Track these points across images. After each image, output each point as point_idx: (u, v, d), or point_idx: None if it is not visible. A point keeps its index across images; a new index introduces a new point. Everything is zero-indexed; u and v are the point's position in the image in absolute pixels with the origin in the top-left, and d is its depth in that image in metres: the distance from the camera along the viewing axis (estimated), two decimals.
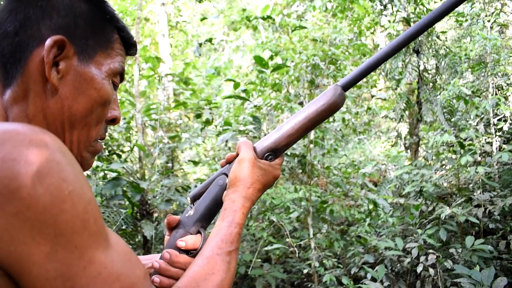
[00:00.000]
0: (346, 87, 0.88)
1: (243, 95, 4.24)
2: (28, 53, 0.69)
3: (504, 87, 6.49)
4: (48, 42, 0.68)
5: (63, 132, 0.72)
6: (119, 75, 0.80)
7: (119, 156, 4.65)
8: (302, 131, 0.89)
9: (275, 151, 0.91)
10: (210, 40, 4.45)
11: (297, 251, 3.47)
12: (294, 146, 4.80)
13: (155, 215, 4.07)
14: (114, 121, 0.82)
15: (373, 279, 3.71)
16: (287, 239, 3.60)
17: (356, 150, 7.05)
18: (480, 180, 5.10)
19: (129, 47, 0.83)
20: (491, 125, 6.20)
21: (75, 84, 0.71)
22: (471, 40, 6.97)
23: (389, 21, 6.40)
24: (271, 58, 4.58)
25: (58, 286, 0.57)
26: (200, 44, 4.34)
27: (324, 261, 3.75)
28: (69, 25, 0.72)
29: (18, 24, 0.70)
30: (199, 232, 0.89)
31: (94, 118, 0.74)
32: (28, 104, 0.70)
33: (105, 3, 0.78)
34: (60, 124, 0.71)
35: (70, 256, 0.57)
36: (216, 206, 0.91)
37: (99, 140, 0.79)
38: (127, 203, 4.23)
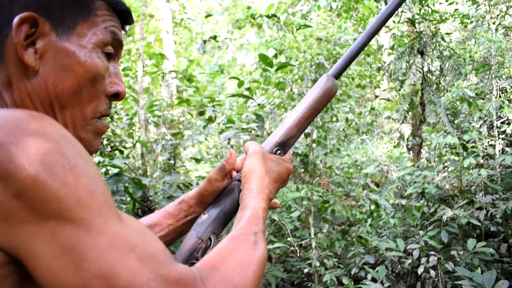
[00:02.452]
0: (337, 75, 0.92)
1: (246, 93, 4.23)
2: (3, 38, 0.66)
3: (508, 90, 6.48)
4: (15, 21, 0.64)
5: (54, 114, 0.68)
6: (112, 43, 0.73)
7: (121, 152, 4.65)
8: (305, 121, 0.91)
9: (283, 145, 0.92)
10: (214, 37, 4.45)
11: (298, 251, 3.46)
12: (297, 145, 4.79)
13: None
14: (117, 96, 0.76)
15: (374, 280, 3.70)
16: (288, 238, 3.59)
17: (359, 151, 7.04)
18: (483, 182, 5.09)
19: (120, 13, 0.76)
20: (495, 128, 6.18)
21: (56, 61, 0.67)
22: (475, 42, 6.96)
23: (394, 22, 6.38)
24: (275, 56, 4.57)
25: (66, 264, 0.53)
26: (205, 42, 4.34)
27: (324, 261, 3.74)
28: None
29: None
30: (209, 238, 0.84)
31: (85, 95, 0.69)
32: (14, 90, 0.67)
33: None
34: (49, 106, 0.67)
35: (78, 229, 0.54)
36: (231, 209, 0.88)
37: (101, 119, 0.75)
38: (128, 199, 4.23)
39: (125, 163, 3.96)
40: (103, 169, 4.61)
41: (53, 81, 0.67)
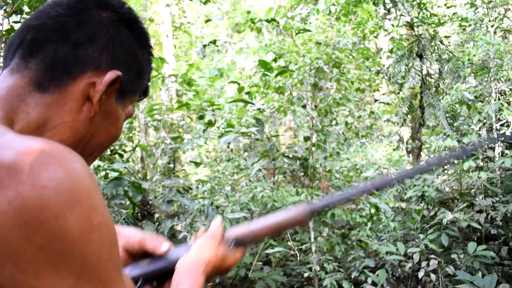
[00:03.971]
0: (316, 211, 0.99)
1: (246, 97, 4.23)
2: (80, 71, 0.70)
3: (507, 93, 6.48)
4: (111, 74, 0.71)
5: (74, 149, 0.68)
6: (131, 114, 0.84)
7: (121, 155, 4.65)
8: (268, 232, 0.99)
9: (239, 242, 0.99)
10: (214, 41, 4.46)
11: (298, 255, 3.45)
12: (296, 149, 4.79)
13: (156, 215, 4.07)
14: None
15: (374, 284, 3.69)
16: (288, 242, 3.59)
17: (358, 154, 7.04)
18: (482, 185, 5.08)
19: (144, 95, 0.87)
20: (494, 130, 6.18)
21: (104, 117, 0.74)
22: (474, 45, 6.97)
23: (393, 25, 6.40)
24: (275, 60, 4.57)
25: None
26: (204, 46, 4.35)
27: (324, 265, 3.73)
28: (126, 64, 0.75)
29: (84, 39, 0.70)
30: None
31: (102, 148, 0.78)
32: (53, 114, 0.69)
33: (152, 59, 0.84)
34: (77, 144, 0.72)
35: None
36: (167, 268, 0.92)
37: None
38: (128, 203, 4.23)
39: (125, 167, 3.96)
40: (103, 173, 4.62)
41: (95, 130, 0.74)
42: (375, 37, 6.70)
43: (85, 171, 0.56)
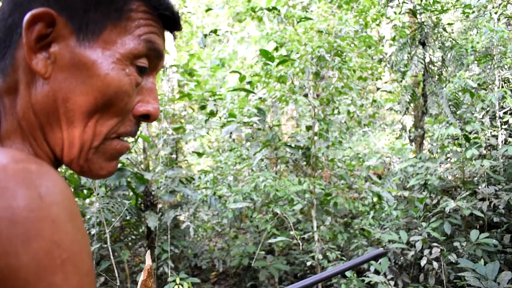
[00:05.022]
0: None
1: (248, 87, 4.22)
2: (16, 36, 0.55)
3: (510, 80, 6.44)
4: (27, 17, 0.52)
5: (60, 131, 0.56)
6: (148, 55, 0.60)
7: None
8: None
9: None
10: (215, 31, 4.42)
11: (300, 244, 3.47)
12: (299, 138, 4.79)
13: (159, 206, 4.09)
14: (147, 117, 0.62)
15: (377, 272, 3.71)
16: (291, 232, 3.60)
17: (361, 143, 7.03)
18: (485, 173, 5.08)
19: (164, 17, 0.61)
20: (497, 118, 6.16)
21: (72, 71, 0.55)
22: (477, 32, 6.90)
23: (395, 13, 6.34)
24: (276, 49, 4.55)
25: None
26: (205, 35, 4.30)
27: (327, 254, 3.75)
28: None
29: (13, 4, 0.56)
30: None
31: (103, 113, 0.57)
32: (17, 98, 0.56)
33: None
34: (56, 121, 0.56)
35: None
36: None
37: (120, 138, 0.61)
38: (131, 193, 4.24)
39: (127, 158, 3.96)
40: None
41: (65, 94, 0.55)
42: (377, 25, 6.64)
43: (55, 195, 0.45)
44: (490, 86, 6.49)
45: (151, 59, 0.61)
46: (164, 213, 3.90)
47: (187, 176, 4.21)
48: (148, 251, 1.10)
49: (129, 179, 3.99)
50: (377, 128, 8.04)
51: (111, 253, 2.70)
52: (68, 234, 0.44)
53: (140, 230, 4.56)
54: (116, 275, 2.82)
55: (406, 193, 5.05)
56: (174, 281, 2.86)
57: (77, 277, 0.44)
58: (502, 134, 6.15)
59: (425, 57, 5.96)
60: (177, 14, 0.63)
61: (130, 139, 4.92)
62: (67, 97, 0.55)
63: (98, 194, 3.38)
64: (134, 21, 0.58)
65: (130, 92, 0.59)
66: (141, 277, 1.04)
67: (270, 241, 3.70)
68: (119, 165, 4.09)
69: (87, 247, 0.47)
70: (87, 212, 3.83)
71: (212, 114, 4.64)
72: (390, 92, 6.70)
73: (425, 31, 6.02)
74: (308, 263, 3.91)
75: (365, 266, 4.29)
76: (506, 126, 6.28)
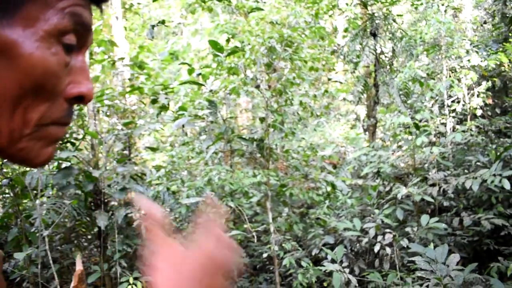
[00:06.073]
0: None
1: (200, 79, 4.13)
2: None
3: (457, 70, 6.68)
4: None
5: None
6: (75, 30, 0.54)
7: (73, 144, 4.46)
8: None
9: None
10: (163, 22, 4.29)
11: (255, 237, 3.45)
12: (255, 130, 4.76)
13: (114, 203, 3.94)
14: (81, 99, 0.57)
15: (333, 260, 3.75)
16: (245, 225, 3.58)
17: (317, 133, 7.11)
18: (435, 160, 5.25)
19: None
20: (445, 107, 6.39)
21: None
22: (426, 23, 7.11)
23: (347, 4, 6.42)
24: (228, 41, 4.48)
25: None
26: (153, 27, 4.17)
27: (283, 245, 3.76)
28: None
29: None
30: None
31: (30, 97, 0.52)
32: None
33: None
34: None
35: None
36: None
37: (55, 125, 0.56)
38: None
39: (75, 156, 3.79)
40: (56, 163, 4.42)
41: None
42: (330, 16, 6.71)
43: None
44: (438, 76, 6.71)
45: (79, 35, 0.55)
46: (114, 212, 3.76)
47: (138, 172, 4.08)
48: (79, 255, 1.02)
49: (80, 178, 3.83)
50: (332, 119, 8.17)
51: (50, 256, 2.57)
52: None
53: (93, 231, 4.40)
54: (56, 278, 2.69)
55: (360, 182, 5.15)
56: (128, 281, 2.76)
57: None
58: (450, 121, 6.39)
59: (376, 48, 6.08)
60: None
61: (79, 134, 4.72)
62: None
63: (37, 196, 3.22)
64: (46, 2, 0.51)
65: (59, 73, 0.53)
66: (71, 284, 0.97)
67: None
68: (67, 164, 3.91)
69: None
70: (34, 214, 3.64)
71: (164, 108, 4.52)
72: (340, 82, 6.80)
73: (376, 22, 6.13)
74: (264, 255, 3.90)
75: (323, 254, 4.34)
76: (454, 114, 6.53)
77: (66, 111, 0.57)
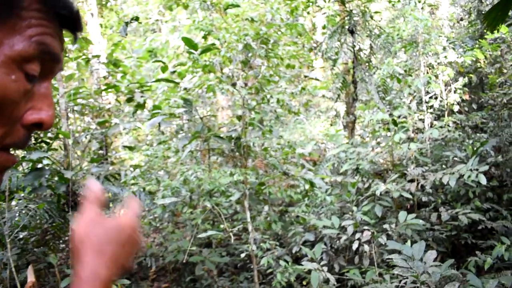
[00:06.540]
0: None
1: (175, 77, 4.06)
2: None
3: (434, 66, 6.74)
4: None
5: None
6: (40, 58, 0.53)
7: (47, 144, 4.34)
8: None
9: None
10: (137, 18, 4.20)
11: (232, 237, 3.41)
12: (233, 128, 4.71)
13: None
14: (40, 126, 0.55)
15: (313, 258, 3.73)
16: (221, 225, 3.53)
17: (297, 130, 7.10)
18: (413, 156, 5.28)
19: (61, 16, 0.55)
20: (423, 103, 6.45)
21: None
22: (404, 20, 7.15)
23: (325, 1, 6.41)
24: (205, 38, 4.42)
25: None
26: (127, 24, 4.08)
27: (261, 244, 3.72)
28: None
29: None
30: None
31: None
32: None
33: None
34: None
35: None
36: None
37: (5, 150, 0.55)
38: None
39: (47, 156, 3.69)
40: (29, 165, 4.29)
41: None
42: (308, 13, 6.69)
43: None
44: (416, 72, 6.77)
45: (44, 63, 0.54)
46: None
47: (113, 173, 3.99)
48: (30, 266, 0.97)
49: (54, 179, 3.72)
50: (312, 116, 8.17)
51: (10, 260, 2.48)
52: None
53: (69, 234, 4.30)
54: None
55: (339, 178, 5.15)
56: None
57: None
58: (428, 117, 6.45)
59: (354, 45, 6.08)
60: (76, 13, 0.56)
61: (53, 134, 4.60)
62: None
63: (6, 198, 3.11)
64: (24, 20, 0.50)
65: (15, 99, 0.52)
66: None
67: (201, 235, 3.61)
68: (39, 165, 3.80)
69: None
70: (4, 217, 3.53)
71: (140, 106, 4.43)
72: (317, 79, 6.79)
73: (354, 19, 6.14)
74: (242, 255, 3.87)
75: (303, 252, 4.32)
76: (431, 110, 6.60)
77: (23, 137, 0.55)
